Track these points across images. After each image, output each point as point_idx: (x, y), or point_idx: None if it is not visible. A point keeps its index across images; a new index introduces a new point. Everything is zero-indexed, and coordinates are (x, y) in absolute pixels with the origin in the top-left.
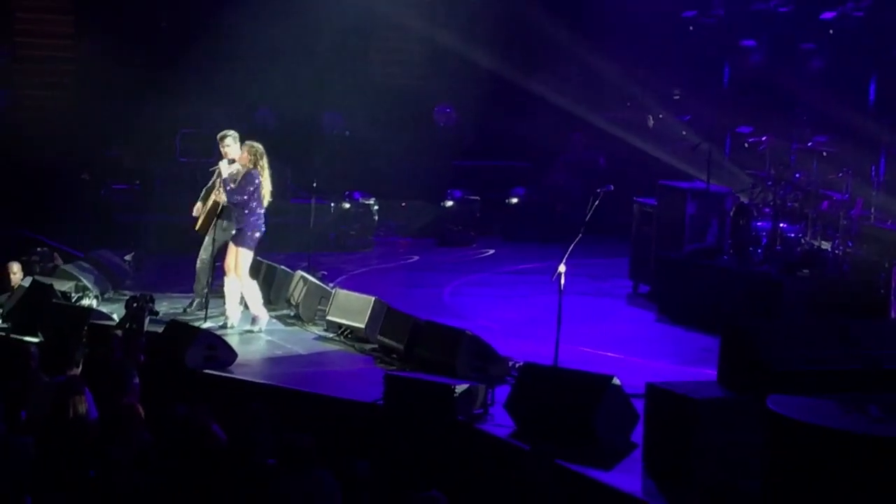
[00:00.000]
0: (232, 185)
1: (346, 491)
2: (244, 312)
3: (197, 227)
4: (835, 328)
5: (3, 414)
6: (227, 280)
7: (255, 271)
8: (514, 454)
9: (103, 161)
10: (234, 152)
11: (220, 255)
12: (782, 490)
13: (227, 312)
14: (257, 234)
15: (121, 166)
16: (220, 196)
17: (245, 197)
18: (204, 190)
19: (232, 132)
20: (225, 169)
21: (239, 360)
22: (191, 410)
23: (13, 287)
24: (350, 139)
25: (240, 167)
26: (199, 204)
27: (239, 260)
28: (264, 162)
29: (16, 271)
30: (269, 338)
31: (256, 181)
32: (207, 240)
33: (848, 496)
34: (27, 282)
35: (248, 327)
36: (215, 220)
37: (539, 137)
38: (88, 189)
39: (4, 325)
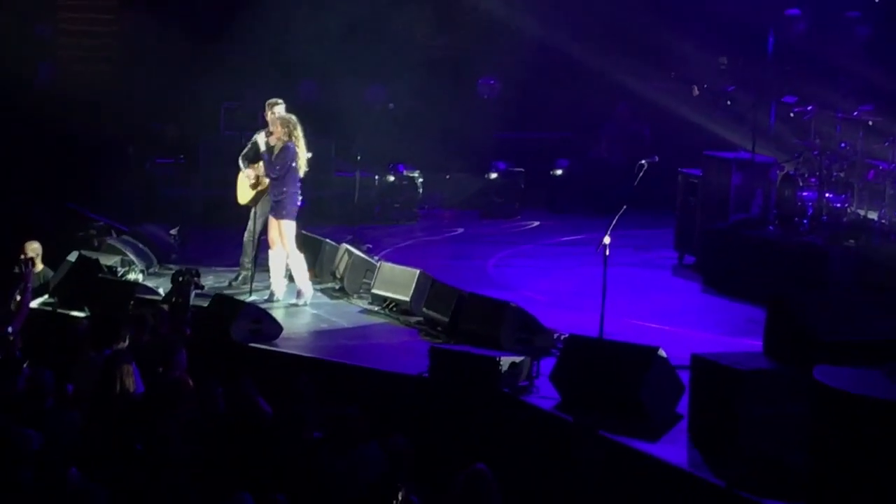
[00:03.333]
0: (269, 160)
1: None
2: (289, 286)
3: (241, 201)
4: (881, 299)
5: (51, 388)
6: (271, 253)
7: (299, 244)
8: (559, 426)
9: (147, 135)
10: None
11: (264, 229)
12: (829, 461)
13: (272, 286)
14: (296, 206)
15: (165, 140)
16: (259, 169)
17: (284, 171)
18: (241, 157)
19: (281, 101)
20: (262, 142)
21: (284, 333)
22: (238, 385)
23: (34, 266)
24: (394, 112)
25: (275, 141)
26: (249, 171)
27: (283, 232)
28: (298, 132)
29: (35, 248)
30: (315, 311)
31: (293, 153)
32: (253, 212)
33: (893, 467)
34: (74, 256)
35: (293, 301)
36: (257, 193)
37: (583, 109)
38: (133, 163)
39: (52, 300)
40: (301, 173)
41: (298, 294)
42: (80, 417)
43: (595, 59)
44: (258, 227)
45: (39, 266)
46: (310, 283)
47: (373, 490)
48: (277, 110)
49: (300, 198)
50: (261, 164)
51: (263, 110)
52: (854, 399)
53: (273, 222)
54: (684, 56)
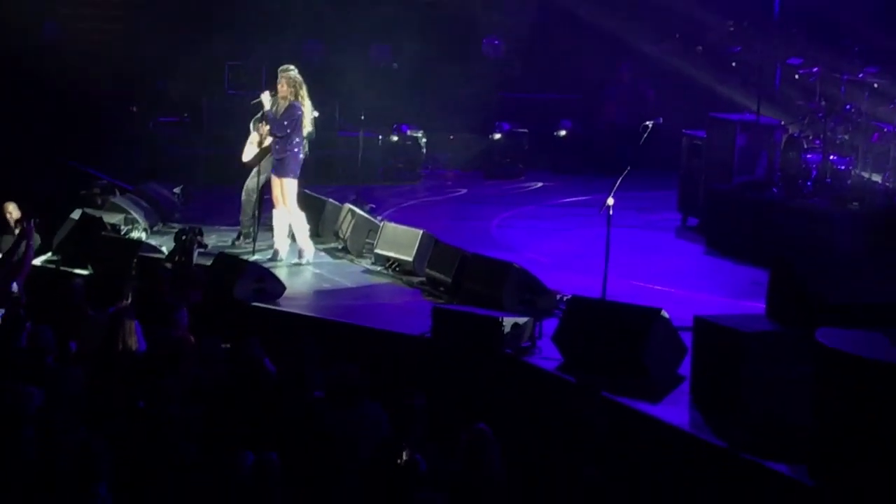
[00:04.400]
0: (275, 119)
1: (400, 421)
2: (292, 245)
3: (247, 160)
4: (884, 261)
5: (53, 345)
6: (275, 213)
7: (301, 204)
8: (561, 387)
9: (152, 94)
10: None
11: (267, 188)
12: (832, 423)
13: (276, 245)
14: (300, 164)
15: (169, 99)
16: (263, 129)
17: (289, 130)
18: (252, 122)
19: (293, 67)
20: (267, 101)
21: (287, 292)
22: (244, 345)
23: (12, 227)
24: (398, 72)
25: (280, 101)
26: (253, 134)
27: (285, 190)
28: (304, 92)
29: (11, 211)
30: (317, 271)
31: (298, 112)
32: (254, 171)
33: None
34: (77, 214)
35: (295, 260)
36: (261, 151)
37: (587, 70)
38: (137, 122)
39: (55, 258)
40: (305, 133)
41: (300, 254)
42: (83, 374)
43: (600, 19)
44: (258, 186)
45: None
46: (311, 242)
47: (376, 449)
48: (289, 76)
49: (301, 156)
50: (264, 133)
51: (267, 69)
52: (857, 361)
53: (276, 181)
54: (690, 16)
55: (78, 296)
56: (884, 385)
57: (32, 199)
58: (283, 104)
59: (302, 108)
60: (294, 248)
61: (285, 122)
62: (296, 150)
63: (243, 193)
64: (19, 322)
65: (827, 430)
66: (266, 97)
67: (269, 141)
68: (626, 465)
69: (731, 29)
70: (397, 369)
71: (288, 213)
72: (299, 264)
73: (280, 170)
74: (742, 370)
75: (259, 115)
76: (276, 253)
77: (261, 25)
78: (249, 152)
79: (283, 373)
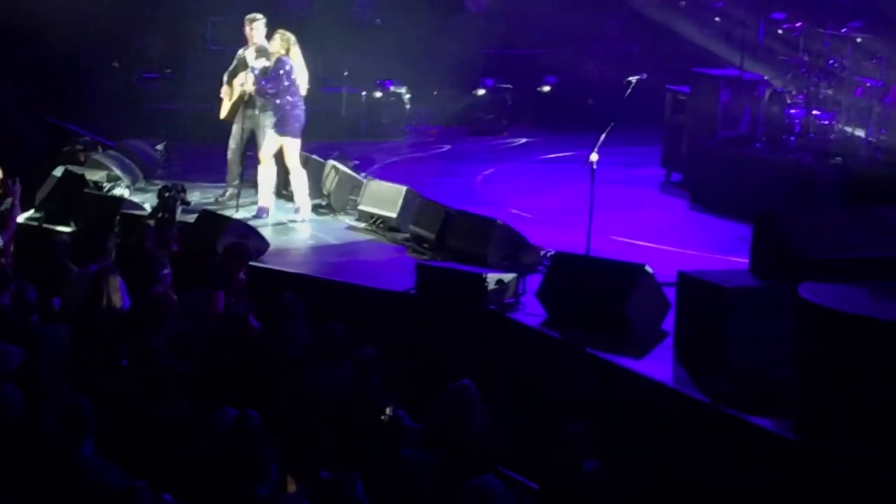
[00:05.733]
0: (264, 76)
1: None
2: (279, 201)
3: (222, 116)
4: (867, 215)
5: (36, 303)
6: (260, 169)
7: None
8: (545, 343)
9: (133, 49)
10: (261, 38)
11: (249, 145)
12: (814, 378)
13: (261, 202)
14: (299, 123)
15: (151, 55)
16: (245, 85)
17: (280, 86)
18: (226, 73)
19: (261, 16)
20: (251, 58)
21: (271, 249)
22: (231, 301)
23: None
24: (381, 27)
25: (269, 58)
26: (224, 87)
27: (287, 150)
28: (296, 50)
29: None
30: (302, 227)
31: (287, 67)
32: (235, 128)
33: (880, 383)
34: (59, 171)
35: (291, 216)
36: (241, 108)
37: (571, 25)
38: (119, 78)
39: (37, 215)
40: (303, 90)
41: (297, 210)
42: (67, 332)
43: None
44: (241, 143)
45: None
46: (309, 201)
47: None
48: (256, 25)
49: (303, 116)
50: (242, 78)
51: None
52: (839, 316)
53: (276, 139)
54: None
55: (63, 253)
56: (866, 339)
57: (14, 156)
58: (272, 59)
59: (291, 63)
60: (279, 205)
61: (273, 80)
62: (288, 107)
63: (229, 153)
64: (5, 280)
65: (810, 384)
66: (249, 53)
67: (238, 93)
68: (609, 421)
69: None
70: (382, 326)
71: (274, 170)
72: (294, 221)
73: (281, 128)
74: (725, 325)
75: (231, 66)
76: (260, 210)
77: None
78: (224, 108)
79: (266, 329)
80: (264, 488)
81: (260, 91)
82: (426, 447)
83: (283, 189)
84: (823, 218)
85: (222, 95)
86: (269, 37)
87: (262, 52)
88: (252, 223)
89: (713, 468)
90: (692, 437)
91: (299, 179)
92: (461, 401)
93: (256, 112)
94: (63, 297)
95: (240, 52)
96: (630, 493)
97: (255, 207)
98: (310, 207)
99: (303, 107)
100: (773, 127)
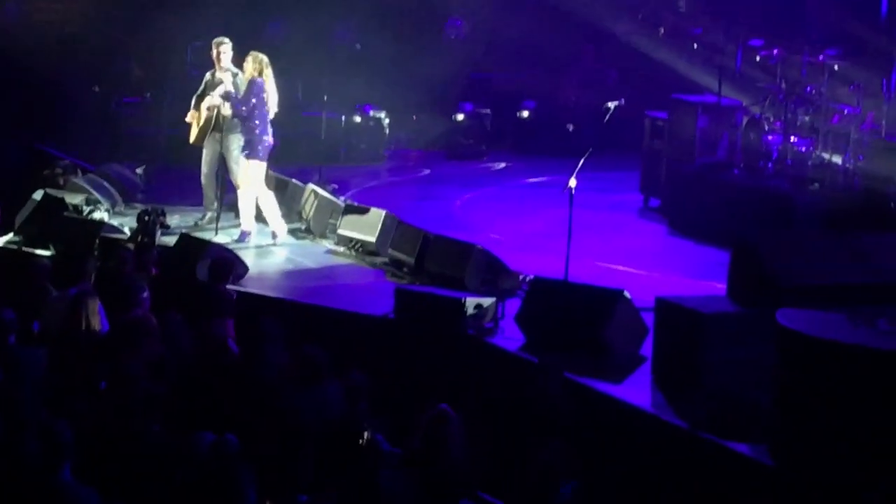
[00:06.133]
0: (237, 97)
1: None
2: (260, 225)
3: (192, 140)
4: (845, 242)
5: (14, 325)
6: (240, 194)
7: (268, 184)
8: (523, 367)
9: (114, 73)
10: (227, 61)
11: (221, 168)
12: (792, 403)
13: (243, 226)
14: (267, 146)
15: (131, 79)
16: (212, 108)
17: (251, 107)
18: (194, 97)
19: (227, 40)
20: (228, 81)
21: (250, 273)
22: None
23: None
24: (361, 52)
25: (242, 79)
26: (191, 112)
27: (251, 172)
28: (269, 71)
29: None
30: (281, 251)
31: (262, 91)
32: (205, 153)
33: (855, 409)
34: (39, 195)
35: (267, 241)
36: (209, 132)
37: (550, 50)
38: (99, 102)
39: (16, 238)
40: (271, 114)
41: (273, 235)
42: (45, 355)
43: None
44: (213, 167)
45: None
46: (283, 222)
47: (335, 428)
48: (224, 49)
49: (271, 139)
50: (208, 101)
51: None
52: (816, 342)
53: (243, 162)
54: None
55: (42, 276)
56: (843, 366)
57: None
58: (245, 81)
59: (265, 87)
60: (261, 229)
61: (245, 103)
62: (257, 130)
63: (202, 178)
64: None
65: (787, 410)
66: (227, 77)
67: (206, 117)
68: (587, 445)
69: (681, 10)
70: (360, 350)
71: (254, 194)
72: (273, 245)
73: (248, 151)
74: (702, 351)
75: (200, 90)
76: (243, 234)
77: (224, 6)
78: (192, 132)
79: (245, 353)
80: None
81: (236, 113)
82: (404, 471)
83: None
84: (801, 244)
85: (189, 120)
86: (241, 59)
87: (228, 75)
88: (233, 247)
89: (691, 493)
90: (670, 462)
91: (268, 203)
92: (439, 425)
93: (223, 136)
94: (42, 320)
95: (207, 75)
96: None
97: (234, 231)
98: (285, 229)
99: (270, 130)
100: (750, 153)
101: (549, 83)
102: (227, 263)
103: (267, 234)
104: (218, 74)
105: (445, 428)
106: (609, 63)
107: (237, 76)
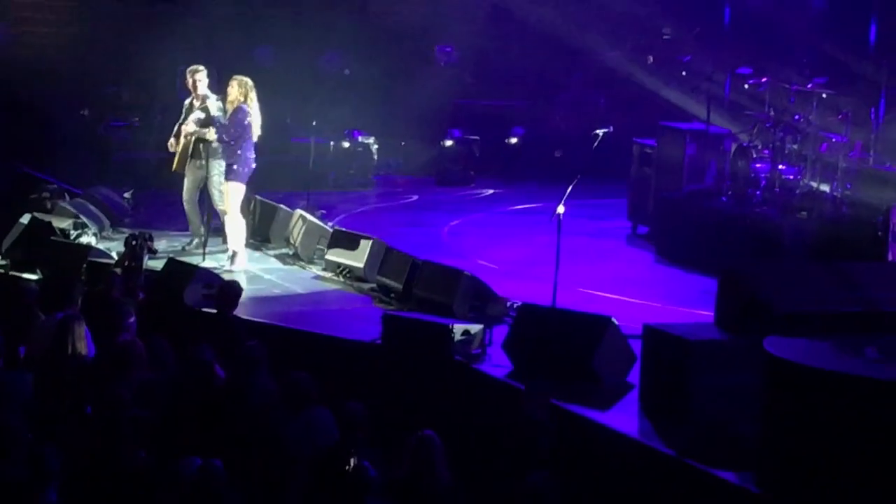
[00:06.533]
0: (220, 123)
1: (342, 431)
2: (249, 252)
3: (173, 168)
4: (833, 270)
5: (3, 350)
6: (226, 220)
7: (253, 209)
8: (510, 394)
9: (102, 98)
10: (204, 88)
11: (205, 193)
12: (779, 431)
13: (231, 251)
14: (249, 170)
15: (120, 103)
16: (189, 135)
17: (236, 133)
18: (176, 126)
19: (203, 67)
20: (214, 107)
21: None
22: (195, 350)
23: None
24: (349, 78)
25: (226, 104)
26: (171, 140)
27: (229, 194)
28: (253, 95)
29: None
30: (268, 277)
31: (247, 117)
32: (186, 181)
33: (844, 438)
34: (26, 219)
35: (224, 263)
36: (189, 160)
37: (539, 77)
38: (87, 126)
39: (3, 262)
40: (255, 138)
41: (231, 258)
42: (31, 380)
43: (552, 27)
44: (195, 193)
45: None
46: (245, 251)
47: (323, 455)
48: (199, 76)
49: (253, 163)
50: (186, 128)
51: (218, 74)
52: (804, 370)
53: (224, 185)
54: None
55: (29, 300)
56: (830, 394)
57: None
58: (230, 108)
59: (250, 112)
60: (250, 255)
61: (231, 129)
62: (246, 154)
63: (185, 205)
64: None
65: (774, 438)
66: (212, 102)
67: (184, 144)
68: (574, 473)
69: (667, 37)
70: (347, 376)
71: (230, 216)
72: (230, 271)
73: (230, 174)
74: (690, 378)
75: (182, 118)
76: (231, 258)
77: (212, 31)
78: (174, 160)
79: (231, 379)
80: None
81: (220, 139)
82: (390, 497)
83: (249, 238)
84: (788, 272)
85: (170, 148)
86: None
87: (214, 101)
88: (220, 272)
89: None
90: (657, 489)
91: (236, 227)
92: (425, 451)
93: (203, 162)
94: (28, 345)
95: (186, 102)
96: None
97: (221, 256)
98: (246, 256)
99: (254, 154)
100: (738, 181)
101: (537, 110)
102: (235, 289)
103: (256, 260)
104: (195, 102)
105: (431, 454)
106: (597, 90)
107: (218, 100)
